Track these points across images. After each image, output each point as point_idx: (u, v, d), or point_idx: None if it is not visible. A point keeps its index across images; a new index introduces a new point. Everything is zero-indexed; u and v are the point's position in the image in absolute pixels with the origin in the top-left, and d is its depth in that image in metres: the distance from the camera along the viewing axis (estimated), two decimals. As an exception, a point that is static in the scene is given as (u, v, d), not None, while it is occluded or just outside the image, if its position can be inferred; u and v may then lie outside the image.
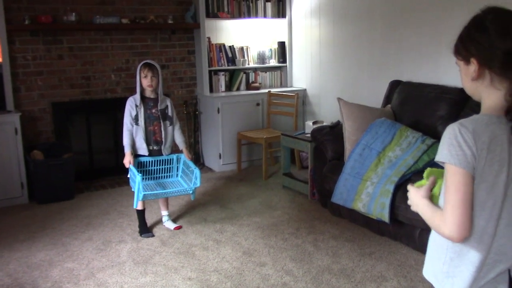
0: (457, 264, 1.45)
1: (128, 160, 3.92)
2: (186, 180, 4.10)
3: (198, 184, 3.90)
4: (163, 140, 4.03)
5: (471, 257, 1.42)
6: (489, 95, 1.43)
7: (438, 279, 1.52)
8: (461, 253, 1.44)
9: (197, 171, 3.89)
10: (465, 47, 1.44)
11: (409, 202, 1.57)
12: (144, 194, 3.76)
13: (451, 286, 1.47)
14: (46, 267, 3.51)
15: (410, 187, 1.57)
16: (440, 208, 1.43)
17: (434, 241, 1.54)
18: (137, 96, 3.96)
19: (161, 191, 3.94)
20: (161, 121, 4.01)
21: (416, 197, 1.53)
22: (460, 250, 1.43)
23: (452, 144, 1.36)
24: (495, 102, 1.41)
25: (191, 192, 3.93)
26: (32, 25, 5.00)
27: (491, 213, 1.39)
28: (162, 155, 4.07)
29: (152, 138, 4.01)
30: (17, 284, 3.27)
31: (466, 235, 1.37)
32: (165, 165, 4.13)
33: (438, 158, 1.41)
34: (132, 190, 3.91)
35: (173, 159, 4.15)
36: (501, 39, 1.36)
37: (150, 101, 3.99)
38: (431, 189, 1.51)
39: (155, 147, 4.04)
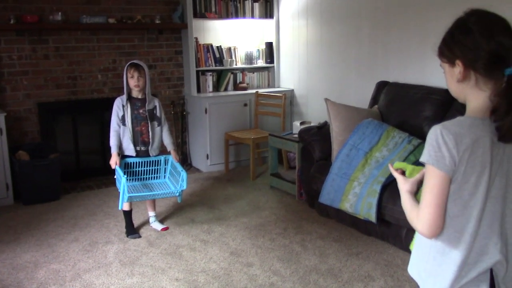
0: (439, 263, 1.48)
1: (114, 161, 3.90)
2: (173, 182, 4.08)
3: (185, 187, 3.89)
4: (151, 140, 4.02)
5: (453, 256, 1.44)
6: (474, 97, 1.45)
7: (421, 277, 1.55)
8: (444, 252, 1.46)
9: (183, 173, 3.88)
10: (450, 49, 1.45)
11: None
12: (129, 196, 3.75)
13: (433, 284, 1.50)
14: (31, 269, 3.47)
15: (392, 171, 1.63)
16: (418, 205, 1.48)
17: (419, 240, 1.57)
18: (124, 96, 3.94)
19: (147, 193, 3.92)
20: (149, 121, 3.99)
21: (401, 189, 1.58)
22: (443, 249, 1.46)
23: (433, 145, 1.40)
24: (480, 104, 1.43)
25: (177, 194, 3.92)
26: (17, 24, 4.95)
27: (473, 213, 1.42)
28: (149, 156, 4.05)
29: (139, 139, 3.99)
30: (2, 286, 3.24)
31: (437, 233, 1.43)
32: (152, 166, 4.11)
33: (421, 158, 1.45)
34: (119, 191, 3.89)
35: (160, 160, 4.13)
36: (485, 40, 1.38)
37: (138, 102, 3.97)
38: (418, 183, 1.55)
39: (142, 148, 4.02)
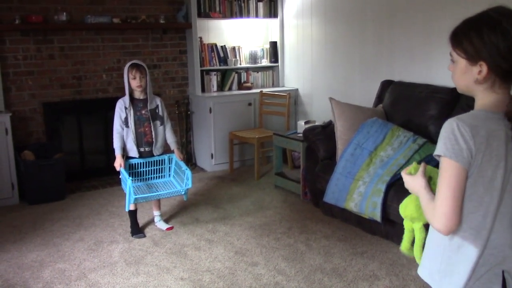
0: (454, 261, 1.44)
1: (118, 163, 3.90)
2: (178, 181, 4.08)
3: (190, 185, 3.89)
4: (154, 140, 4.01)
5: (469, 254, 1.41)
6: (484, 95, 1.42)
7: (435, 279, 1.51)
8: (459, 251, 1.43)
9: (188, 172, 3.89)
10: (475, 47, 1.37)
11: (406, 185, 1.59)
12: (135, 198, 3.75)
13: (449, 284, 1.46)
14: (37, 268, 3.49)
15: (404, 175, 1.59)
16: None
17: (432, 241, 1.54)
18: (126, 98, 3.93)
19: (153, 194, 3.92)
20: (151, 121, 3.99)
21: (416, 185, 1.53)
22: (458, 247, 1.43)
23: (449, 138, 1.36)
24: (490, 101, 1.41)
25: (183, 193, 3.93)
26: (22, 24, 4.96)
27: (489, 208, 1.39)
28: (153, 155, 4.05)
29: (143, 140, 3.99)
30: (8, 285, 3.25)
31: (453, 228, 1.39)
32: (157, 165, 4.12)
33: (435, 152, 1.41)
34: (125, 191, 3.89)
35: (164, 159, 4.14)
36: None
37: (140, 102, 3.97)
38: (423, 174, 1.52)
39: (146, 149, 4.01)
